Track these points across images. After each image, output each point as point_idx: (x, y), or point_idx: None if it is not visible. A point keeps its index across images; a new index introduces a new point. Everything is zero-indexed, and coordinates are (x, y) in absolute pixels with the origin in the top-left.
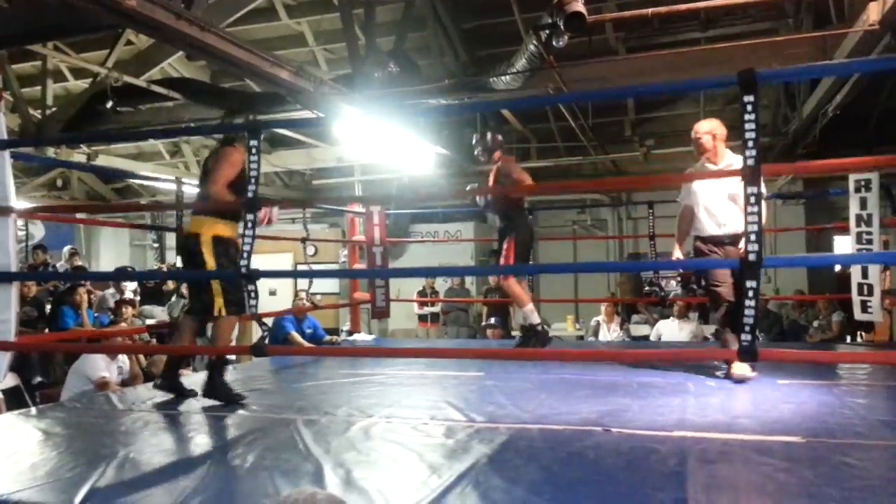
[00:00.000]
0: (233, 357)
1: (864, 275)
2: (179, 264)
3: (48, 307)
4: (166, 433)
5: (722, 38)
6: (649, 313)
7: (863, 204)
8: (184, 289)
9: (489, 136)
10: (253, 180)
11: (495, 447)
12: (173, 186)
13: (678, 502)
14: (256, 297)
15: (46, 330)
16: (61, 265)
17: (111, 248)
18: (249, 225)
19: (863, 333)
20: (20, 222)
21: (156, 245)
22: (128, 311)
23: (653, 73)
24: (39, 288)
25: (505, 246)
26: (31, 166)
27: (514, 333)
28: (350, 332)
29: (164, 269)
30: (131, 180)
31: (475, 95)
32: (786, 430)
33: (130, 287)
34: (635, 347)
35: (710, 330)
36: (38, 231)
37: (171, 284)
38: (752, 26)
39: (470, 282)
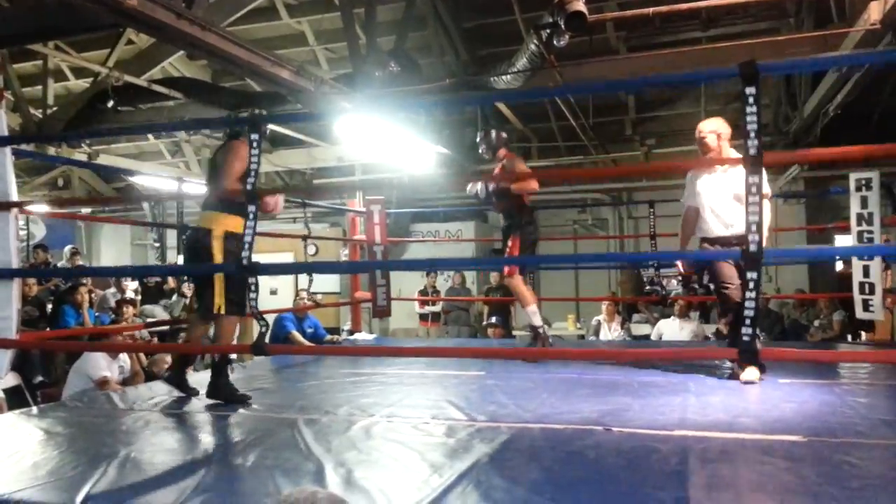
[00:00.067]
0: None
1: (866, 273)
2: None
3: (49, 307)
4: (167, 432)
5: (723, 37)
6: (650, 313)
7: (863, 203)
8: (185, 289)
9: (493, 133)
10: (253, 173)
11: (496, 446)
12: (174, 186)
13: (679, 501)
14: (257, 291)
15: (47, 330)
16: (62, 265)
17: (112, 248)
18: (251, 216)
19: (863, 333)
20: (21, 222)
21: (157, 244)
22: (128, 310)
23: (654, 72)
24: (41, 287)
25: (509, 244)
26: (32, 166)
27: (515, 333)
28: (351, 332)
29: None
30: (132, 180)
31: (475, 94)
32: (787, 429)
33: (131, 287)
34: (636, 347)
35: (711, 329)
36: (39, 230)
37: (171, 282)
38: (753, 26)
39: (471, 281)
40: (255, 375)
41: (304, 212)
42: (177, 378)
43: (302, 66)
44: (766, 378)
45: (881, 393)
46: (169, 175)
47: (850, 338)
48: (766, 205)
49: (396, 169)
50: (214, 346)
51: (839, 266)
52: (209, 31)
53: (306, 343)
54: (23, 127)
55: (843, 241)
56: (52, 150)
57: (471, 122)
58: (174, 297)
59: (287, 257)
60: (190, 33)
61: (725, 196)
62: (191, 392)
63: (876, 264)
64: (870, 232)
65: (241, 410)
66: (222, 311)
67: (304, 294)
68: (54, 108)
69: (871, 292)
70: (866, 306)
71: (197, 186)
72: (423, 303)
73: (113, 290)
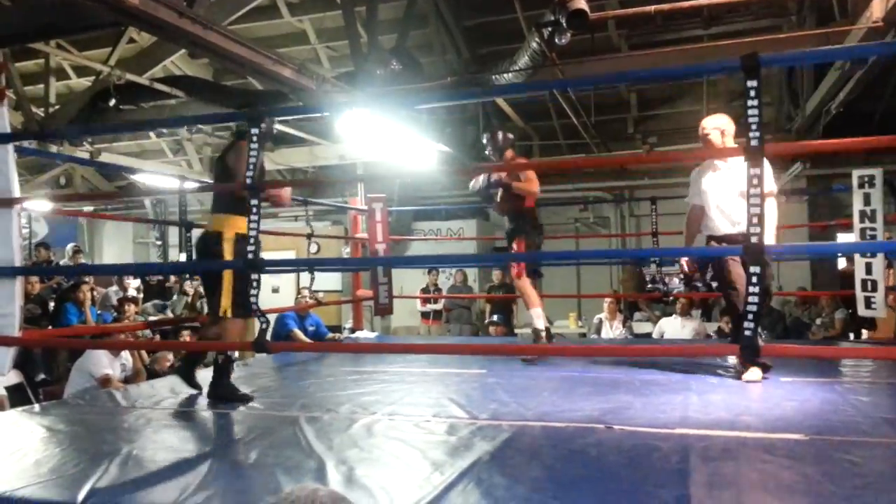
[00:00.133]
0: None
1: (868, 271)
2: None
3: (52, 304)
4: (169, 430)
5: (724, 35)
6: (650, 311)
7: (866, 200)
8: (187, 287)
9: (500, 133)
10: (252, 166)
11: (498, 444)
12: (176, 184)
13: (680, 500)
14: (258, 288)
15: (50, 327)
16: (65, 263)
17: (114, 246)
18: (254, 211)
19: (865, 331)
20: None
21: (159, 242)
22: (130, 308)
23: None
24: (43, 285)
25: (514, 248)
26: (34, 164)
27: (517, 331)
28: (353, 330)
29: None
30: (134, 178)
31: (476, 89)
32: (789, 427)
33: (133, 285)
34: (638, 345)
35: (712, 327)
36: (41, 229)
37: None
38: (754, 23)
39: (472, 279)
40: (257, 373)
41: (307, 210)
42: (185, 372)
43: (303, 65)
44: (768, 376)
45: (883, 391)
46: (171, 173)
47: (852, 336)
48: (773, 202)
49: (398, 167)
50: (216, 344)
51: (841, 264)
52: (211, 30)
53: (308, 341)
54: (25, 125)
55: (845, 238)
56: (53, 148)
57: (472, 120)
58: (174, 297)
59: (289, 255)
60: (191, 32)
61: (730, 193)
62: (197, 388)
63: (878, 262)
64: (872, 229)
65: (243, 408)
66: (229, 314)
67: (305, 292)
68: (56, 107)
69: (874, 290)
70: (868, 304)
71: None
72: (425, 301)
73: (115, 288)
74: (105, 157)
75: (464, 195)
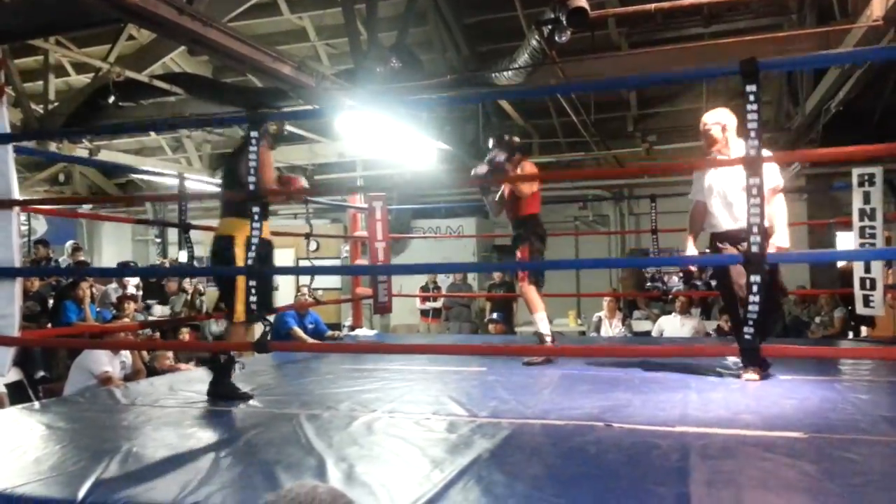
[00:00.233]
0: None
1: (867, 269)
2: (182, 259)
3: (51, 302)
4: (169, 428)
5: (725, 33)
6: (649, 309)
7: (866, 198)
8: (186, 284)
9: (507, 138)
10: (253, 171)
11: (497, 442)
12: (175, 181)
13: (680, 497)
14: (258, 293)
15: (49, 325)
16: (64, 260)
17: (113, 244)
18: (256, 218)
19: (864, 328)
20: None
21: (158, 240)
22: (130, 306)
23: (655, 68)
24: (42, 283)
25: (518, 255)
26: (33, 161)
27: (517, 330)
28: (352, 328)
29: (167, 264)
30: (134, 175)
31: (477, 91)
32: (788, 425)
33: (133, 282)
34: (637, 343)
35: (711, 325)
36: (40, 226)
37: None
38: (755, 22)
39: (472, 277)
40: (257, 371)
41: (307, 208)
42: (222, 385)
43: (303, 62)
44: (770, 374)
45: (882, 389)
46: (170, 171)
47: (851, 334)
48: (781, 198)
49: (398, 165)
50: (217, 345)
51: (840, 262)
52: (210, 27)
53: (307, 339)
54: (24, 122)
55: (845, 236)
56: (53, 146)
57: (472, 118)
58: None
59: (288, 253)
60: (191, 29)
61: (733, 189)
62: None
63: (877, 260)
64: (872, 227)
65: (243, 406)
66: (242, 319)
67: (305, 290)
68: (55, 104)
69: (873, 288)
70: (867, 302)
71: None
72: (424, 299)
73: (114, 285)
74: (104, 155)
75: (463, 193)
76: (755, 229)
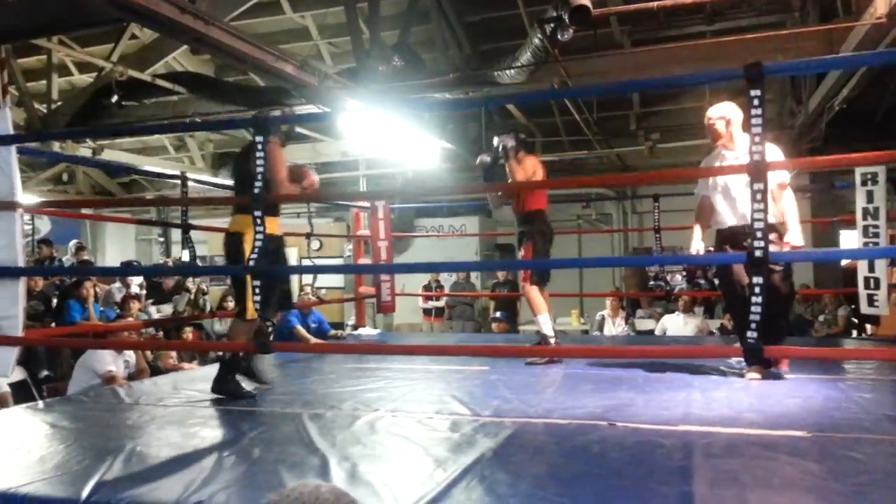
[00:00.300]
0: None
1: (871, 268)
2: (185, 259)
3: (55, 301)
4: (172, 427)
5: (728, 31)
6: (652, 308)
7: (869, 197)
8: (189, 283)
9: (514, 135)
10: (260, 176)
11: (500, 441)
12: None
13: (683, 496)
14: (261, 294)
15: (53, 324)
16: (67, 259)
17: (117, 243)
18: (258, 221)
19: (868, 325)
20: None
21: (161, 240)
22: (134, 305)
23: (658, 66)
24: (46, 282)
25: (521, 253)
26: (36, 161)
27: (520, 328)
28: (355, 327)
29: (170, 263)
30: (137, 175)
31: (479, 89)
32: (791, 424)
33: (136, 282)
34: (640, 342)
35: (715, 324)
36: (43, 225)
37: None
38: (757, 20)
39: (475, 276)
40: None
41: (308, 207)
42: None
43: (306, 61)
44: (771, 374)
45: (886, 388)
46: (173, 170)
47: (854, 333)
48: (790, 193)
49: (400, 164)
50: (219, 345)
51: (844, 260)
52: (213, 26)
53: (310, 338)
54: (27, 122)
55: (848, 235)
56: (56, 146)
57: (474, 117)
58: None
59: (292, 252)
60: (194, 28)
61: (736, 185)
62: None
63: (881, 259)
64: (875, 226)
65: (246, 405)
66: (253, 316)
67: (308, 289)
68: (58, 103)
69: (877, 287)
70: (871, 301)
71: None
72: (427, 298)
73: (118, 284)
74: (107, 154)
75: (466, 192)
76: (759, 234)
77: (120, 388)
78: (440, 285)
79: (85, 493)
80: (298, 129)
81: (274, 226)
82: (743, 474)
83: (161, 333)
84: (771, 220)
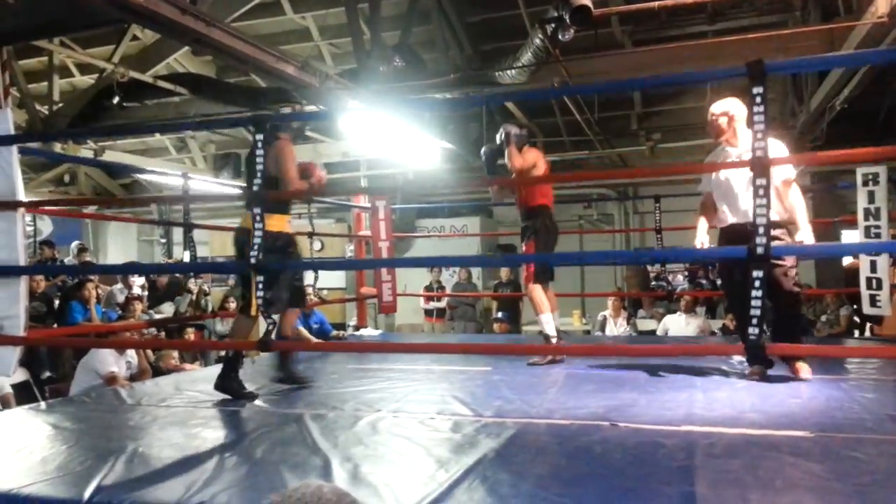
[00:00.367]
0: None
1: (873, 269)
2: (187, 259)
3: (57, 302)
4: (175, 427)
5: (729, 31)
6: (653, 309)
7: (871, 198)
8: (191, 284)
9: (517, 128)
10: (259, 173)
11: (502, 442)
12: (180, 182)
13: (685, 497)
14: (263, 290)
15: (55, 326)
16: (69, 261)
17: (118, 244)
18: (258, 218)
19: (869, 323)
20: (28, 218)
21: (163, 240)
22: (137, 307)
23: (659, 66)
24: (48, 283)
25: (524, 249)
26: (38, 162)
27: (523, 329)
28: (357, 327)
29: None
30: (138, 176)
31: (480, 90)
32: (794, 424)
33: (138, 283)
34: (642, 343)
35: (717, 325)
36: (45, 227)
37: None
38: (759, 19)
39: (477, 276)
40: (262, 371)
41: (309, 207)
42: (287, 375)
43: (306, 62)
44: (772, 373)
45: (888, 388)
46: (175, 171)
47: (857, 333)
48: (797, 190)
49: (401, 164)
50: (221, 343)
51: (846, 261)
52: (214, 27)
53: (312, 338)
54: (29, 123)
55: (849, 235)
56: (57, 147)
57: (475, 117)
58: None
59: None
60: (195, 29)
61: (738, 182)
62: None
63: (883, 259)
64: (877, 227)
65: (248, 406)
66: (253, 313)
67: (309, 290)
68: (60, 105)
69: (879, 287)
70: (873, 301)
71: (202, 183)
72: (428, 299)
73: (120, 286)
74: (109, 156)
75: (467, 192)
76: (761, 230)
77: (122, 389)
78: (441, 286)
79: (87, 494)
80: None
81: (283, 223)
82: (745, 475)
83: (163, 334)
84: (775, 216)
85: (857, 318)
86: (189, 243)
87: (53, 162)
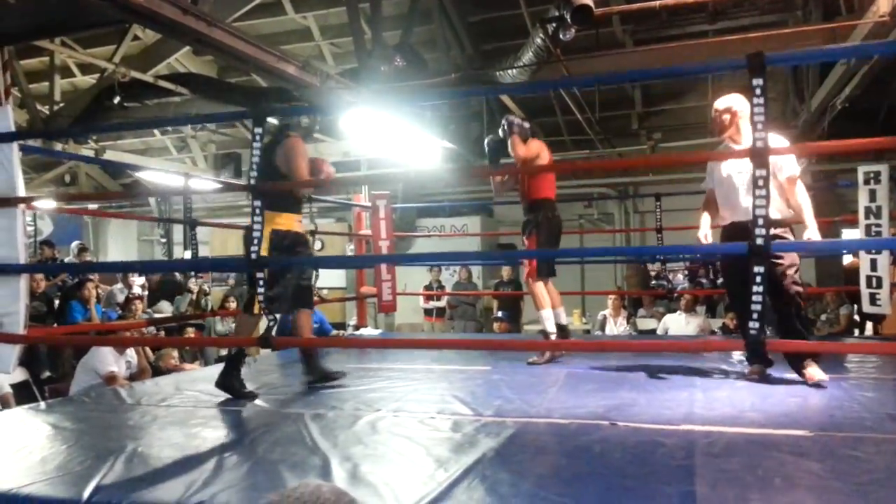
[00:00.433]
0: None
1: (873, 267)
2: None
3: (57, 302)
4: (174, 427)
5: (730, 30)
6: (654, 308)
7: (872, 196)
8: (191, 284)
9: (520, 119)
10: (255, 166)
11: (502, 441)
12: (181, 181)
13: (685, 496)
14: (264, 287)
15: (55, 325)
16: (70, 261)
17: (119, 244)
18: (258, 212)
19: (869, 322)
20: (28, 217)
21: (163, 240)
22: (138, 306)
23: (660, 66)
24: (48, 283)
25: (526, 243)
26: (39, 162)
27: (526, 327)
28: (357, 326)
29: None
30: (139, 175)
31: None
32: (793, 423)
33: (138, 282)
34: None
35: (717, 323)
36: (45, 227)
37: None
38: (760, 18)
39: (477, 276)
40: (262, 370)
41: (310, 207)
42: (319, 375)
43: (307, 62)
44: (772, 372)
45: (888, 387)
46: (175, 170)
47: (857, 332)
48: (802, 187)
49: (402, 164)
50: (221, 340)
51: (846, 259)
52: (215, 27)
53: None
54: (30, 123)
55: (850, 234)
56: (58, 146)
57: (476, 116)
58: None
59: None
60: (196, 29)
61: (741, 181)
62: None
63: (884, 258)
64: (878, 225)
65: (248, 405)
66: (256, 311)
67: None
68: (61, 105)
69: (879, 286)
70: (873, 300)
71: (202, 182)
72: (428, 298)
73: (120, 285)
74: (109, 155)
75: (468, 191)
76: (760, 221)
77: (121, 389)
78: (441, 285)
79: (86, 494)
80: None
81: (292, 222)
82: (745, 474)
83: (163, 333)
84: (777, 215)
85: (856, 318)
86: (191, 241)
87: (55, 161)
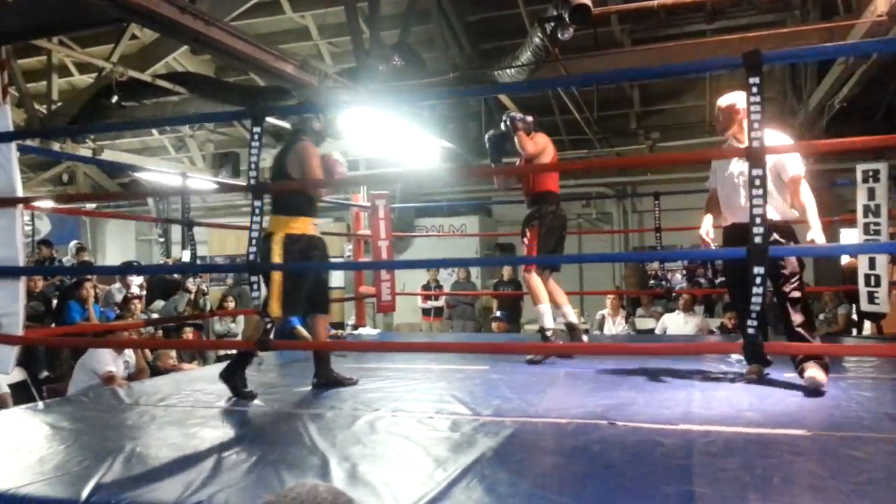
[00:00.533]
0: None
1: (872, 266)
2: (185, 259)
3: (55, 302)
4: (172, 427)
5: (728, 29)
6: (652, 308)
7: (871, 194)
8: (189, 284)
9: (520, 115)
10: (254, 166)
11: (501, 441)
12: (178, 181)
13: (684, 495)
14: (259, 289)
15: (53, 325)
16: (67, 260)
17: (117, 244)
18: (257, 212)
19: (867, 321)
20: (27, 217)
21: (161, 240)
22: (136, 306)
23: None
24: (46, 283)
25: (528, 237)
26: (37, 162)
27: (526, 327)
28: (355, 326)
29: (171, 263)
30: (137, 175)
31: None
32: (792, 423)
33: (136, 282)
34: (640, 341)
35: (715, 323)
36: (43, 226)
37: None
38: (758, 18)
39: (475, 275)
40: (261, 370)
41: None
42: (325, 379)
43: (306, 61)
44: (770, 372)
45: (886, 387)
46: (173, 170)
47: (855, 331)
48: (807, 187)
49: (400, 163)
50: (219, 342)
51: (844, 259)
52: (213, 26)
53: (310, 338)
54: (27, 122)
55: (849, 233)
56: (56, 146)
57: (475, 116)
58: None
59: None
60: (194, 28)
61: (742, 181)
62: (347, 382)
63: (882, 257)
64: (877, 224)
65: (247, 405)
66: (277, 314)
67: None
68: (58, 104)
69: (877, 285)
70: (872, 299)
71: (201, 182)
72: (426, 298)
73: (118, 285)
74: (107, 155)
75: (466, 191)
76: (758, 220)
77: (120, 389)
78: (439, 285)
79: (85, 494)
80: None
81: (307, 225)
82: (743, 473)
83: (160, 333)
84: (776, 216)
85: (854, 317)
86: (189, 241)
87: (52, 161)
